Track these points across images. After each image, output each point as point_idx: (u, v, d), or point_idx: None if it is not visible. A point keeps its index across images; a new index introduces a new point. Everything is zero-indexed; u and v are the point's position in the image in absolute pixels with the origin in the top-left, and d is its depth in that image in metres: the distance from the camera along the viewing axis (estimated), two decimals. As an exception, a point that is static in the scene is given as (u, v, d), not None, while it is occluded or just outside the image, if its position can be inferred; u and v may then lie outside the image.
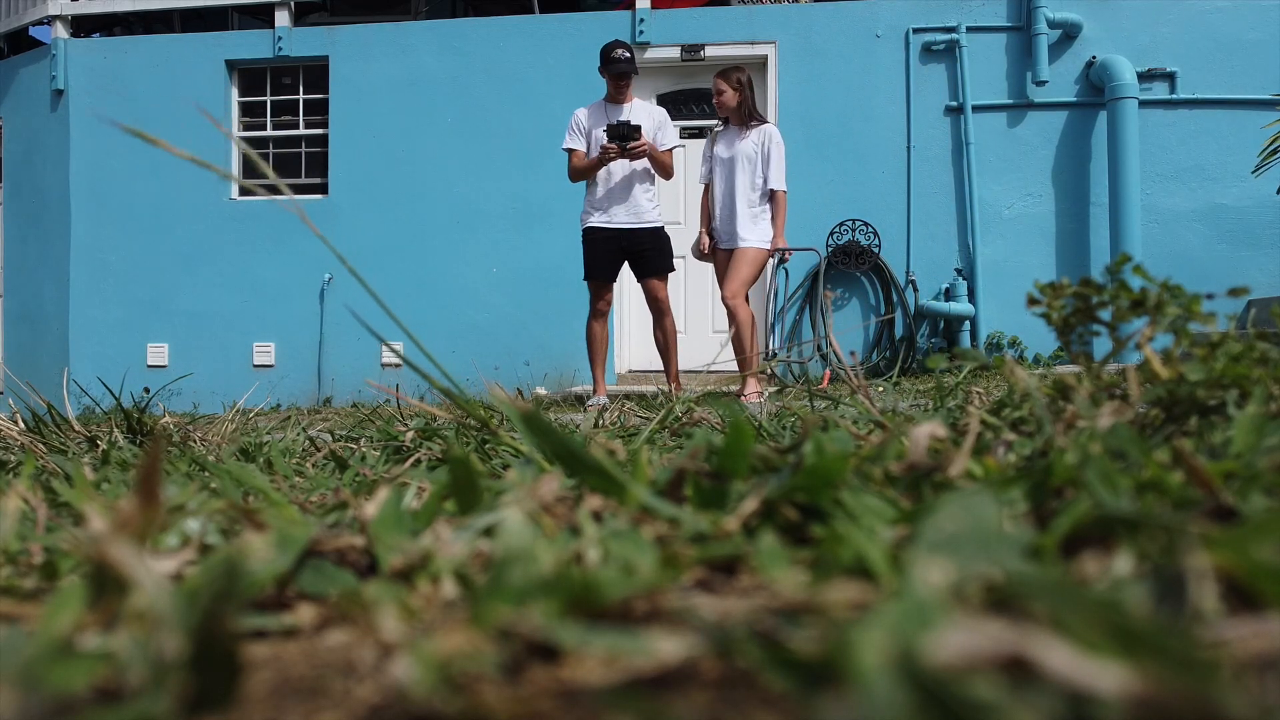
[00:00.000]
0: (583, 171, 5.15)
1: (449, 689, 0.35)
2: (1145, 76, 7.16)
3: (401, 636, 0.42)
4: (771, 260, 5.10)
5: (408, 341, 6.75)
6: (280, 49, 8.01)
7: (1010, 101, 7.39)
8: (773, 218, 5.22)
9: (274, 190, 8.13)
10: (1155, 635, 0.29)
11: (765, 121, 5.29)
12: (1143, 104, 7.08)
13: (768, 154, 5.18)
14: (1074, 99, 7.35)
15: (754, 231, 5.19)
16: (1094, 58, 7.26)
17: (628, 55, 5.05)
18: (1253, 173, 6.50)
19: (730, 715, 0.34)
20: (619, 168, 5.10)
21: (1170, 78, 7.22)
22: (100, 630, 0.42)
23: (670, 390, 4.56)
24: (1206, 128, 7.20)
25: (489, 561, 0.53)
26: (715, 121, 5.56)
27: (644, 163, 5.13)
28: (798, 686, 0.32)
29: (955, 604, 0.40)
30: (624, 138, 4.89)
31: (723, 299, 5.27)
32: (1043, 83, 7.26)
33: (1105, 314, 0.96)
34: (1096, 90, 7.26)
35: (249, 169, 8.19)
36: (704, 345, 7.64)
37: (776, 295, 5.08)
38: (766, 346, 5.06)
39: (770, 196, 5.22)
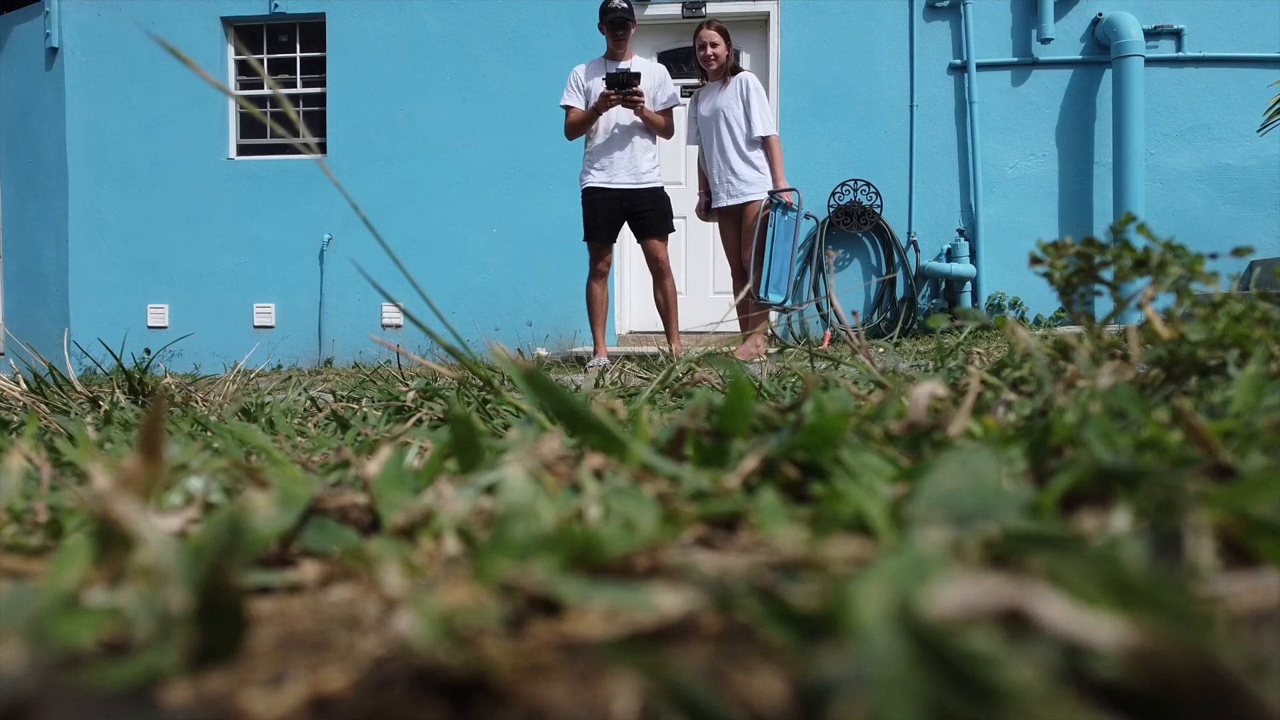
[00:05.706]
0: (580, 123, 5.06)
1: (452, 642, 0.35)
2: (1152, 34, 7.05)
3: (405, 591, 0.42)
4: (770, 210, 5.03)
5: (408, 302, 6.74)
6: (277, 6, 7.89)
7: (1015, 59, 7.29)
8: (770, 165, 5.12)
9: (280, 150, 8.06)
10: (1152, 589, 0.29)
11: (741, 70, 5.20)
12: (1149, 62, 6.99)
13: (748, 101, 5.08)
14: (1079, 57, 7.25)
15: (752, 186, 5.13)
16: (1100, 15, 7.15)
17: (625, 5, 4.97)
18: (1258, 131, 6.43)
19: (730, 668, 0.34)
20: (620, 127, 5.03)
21: (1177, 35, 7.11)
22: (106, 586, 0.42)
23: (671, 351, 4.56)
24: (1213, 86, 7.12)
25: (491, 518, 0.54)
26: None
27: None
28: (797, 639, 0.32)
29: (954, 559, 0.40)
30: (623, 85, 4.82)
31: (740, 266, 5.23)
32: (1048, 40, 7.16)
33: (1107, 274, 0.96)
34: (1102, 48, 7.17)
35: (246, 128, 8.10)
36: (705, 306, 7.62)
37: (774, 240, 5.01)
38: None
39: (763, 143, 5.12)
